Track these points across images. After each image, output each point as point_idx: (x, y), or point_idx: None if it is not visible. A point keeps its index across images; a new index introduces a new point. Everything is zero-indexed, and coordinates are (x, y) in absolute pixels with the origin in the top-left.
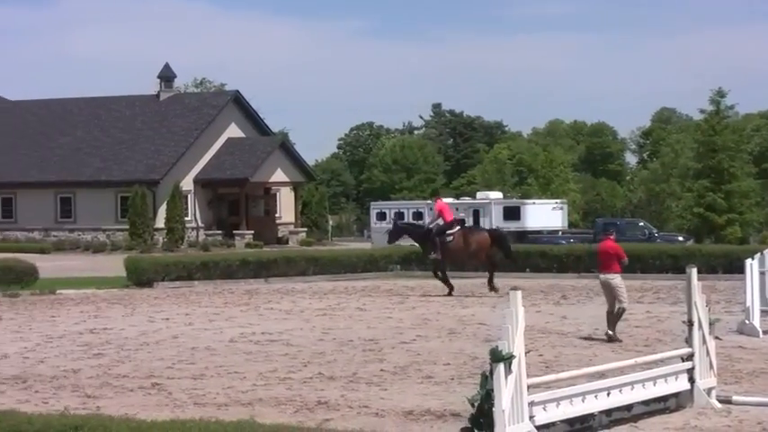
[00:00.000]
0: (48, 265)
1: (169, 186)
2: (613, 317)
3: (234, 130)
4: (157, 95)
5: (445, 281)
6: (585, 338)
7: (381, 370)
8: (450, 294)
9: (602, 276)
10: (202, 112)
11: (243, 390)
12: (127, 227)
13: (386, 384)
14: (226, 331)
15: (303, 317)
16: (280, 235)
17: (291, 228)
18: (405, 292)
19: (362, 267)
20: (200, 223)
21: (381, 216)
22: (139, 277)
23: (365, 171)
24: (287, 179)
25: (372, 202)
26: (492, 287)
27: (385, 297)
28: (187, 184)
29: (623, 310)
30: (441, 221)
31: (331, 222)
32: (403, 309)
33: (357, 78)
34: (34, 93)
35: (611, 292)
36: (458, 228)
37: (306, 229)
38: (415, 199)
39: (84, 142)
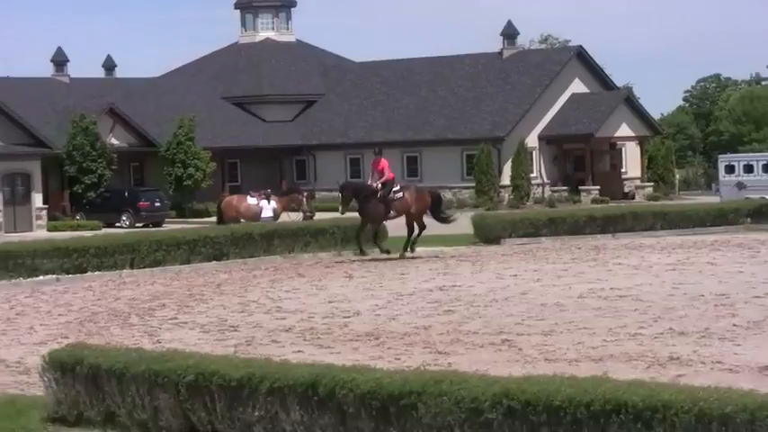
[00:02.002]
0: (396, 223)
1: (514, 143)
2: None
3: (578, 86)
4: (500, 53)
5: (361, 242)
6: None
7: (734, 325)
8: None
9: None
10: (546, 69)
11: (593, 345)
12: (472, 184)
13: (739, 340)
14: (574, 287)
15: (652, 272)
16: (626, 190)
17: (637, 182)
18: (756, 246)
19: (711, 221)
20: (545, 179)
21: (730, 169)
22: (487, 234)
23: (712, 124)
24: (632, 134)
25: (720, 155)
26: (406, 249)
27: (735, 251)
28: (532, 140)
29: None
30: (377, 180)
31: (678, 176)
32: (755, 263)
33: (702, 29)
34: (378, 54)
35: None
36: (402, 186)
37: (652, 184)
38: (765, 151)
39: (428, 101)
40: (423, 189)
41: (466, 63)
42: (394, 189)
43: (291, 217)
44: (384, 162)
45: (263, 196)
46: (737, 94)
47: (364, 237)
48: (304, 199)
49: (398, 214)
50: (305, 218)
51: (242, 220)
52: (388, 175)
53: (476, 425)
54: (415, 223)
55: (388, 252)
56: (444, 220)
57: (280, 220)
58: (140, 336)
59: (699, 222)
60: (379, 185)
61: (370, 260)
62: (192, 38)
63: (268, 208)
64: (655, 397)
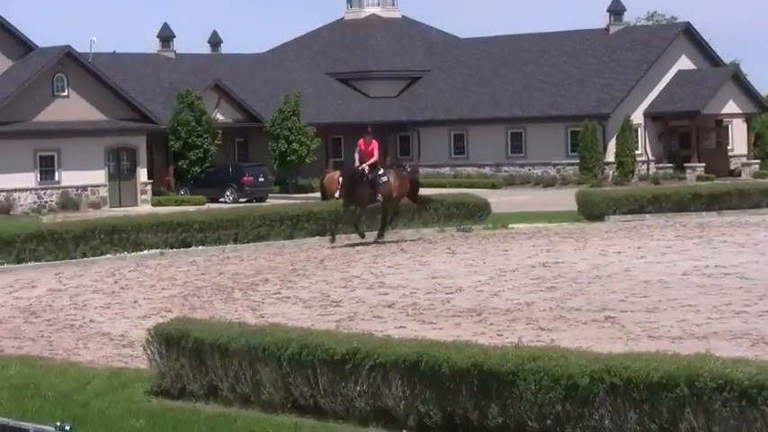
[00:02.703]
0: (499, 200)
1: (619, 120)
2: None
3: (684, 62)
4: (607, 29)
5: (357, 227)
6: None
7: None
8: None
9: None
10: (652, 45)
11: (697, 323)
12: (577, 161)
13: None
14: (678, 264)
15: (758, 249)
16: (732, 167)
17: (744, 160)
18: None
19: None
20: (650, 156)
21: None
22: (591, 211)
23: None
24: (739, 110)
25: None
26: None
27: None
28: (637, 117)
29: None
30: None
31: None
32: None
33: None
34: (485, 30)
35: None
36: (385, 170)
37: (759, 161)
38: None
39: (533, 78)
40: (402, 173)
41: (572, 39)
42: (379, 172)
43: None
44: (375, 143)
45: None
46: None
47: (350, 219)
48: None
49: (383, 198)
50: None
51: None
52: (375, 157)
53: (576, 401)
54: (389, 208)
55: (362, 236)
56: (423, 203)
57: None
58: (243, 310)
59: None
60: (367, 168)
61: (357, 244)
62: (298, 14)
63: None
64: (760, 375)
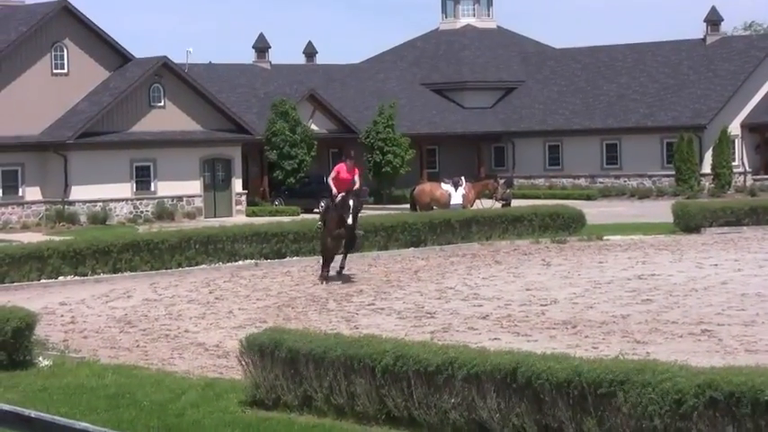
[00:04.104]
0: (594, 212)
1: (716, 131)
2: None
3: None
4: (704, 39)
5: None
6: None
7: None
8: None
9: None
10: (750, 55)
11: None
12: (672, 172)
13: None
14: None
15: None
16: None
17: None
18: None
19: None
20: (747, 168)
21: None
22: (687, 223)
23: None
24: None
25: None
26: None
27: None
28: (734, 128)
29: None
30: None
31: None
32: None
33: None
34: (580, 40)
35: None
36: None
37: None
38: None
39: (629, 88)
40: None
41: (667, 49)
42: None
43: (484, 204)
44: (357, 170)
45: (453, 183)
46: None
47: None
48: (499, 186)
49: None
50: (503, 205)
51: (434, 207)
52: (357, 184)
53: (677, 416)
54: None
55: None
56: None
57: (474, 206)
58: (338, 321)
59: None
60: (348, 196)
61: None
62: (393, 24)
63: (456, 195)
64: None
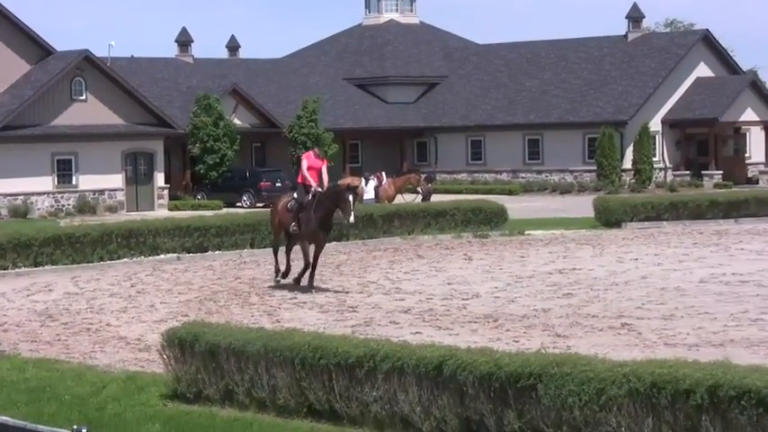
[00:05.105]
0: (516, 207)
1: (637, 127)
2: None
3: (702, 70)
4: (625, 36)
5: (286, 259)
6: None
7: None
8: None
9: None
10: (671, 52)
11: (714, 330)
12: (594, 168)
13: None
14: (695, 272)
15: None
16: (749, 175)
17: (762, 167)
18: None
19: None
20: (667, 164)
21: None
22: (608, 218)
23: None
24: (757, 118)
25: None
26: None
27: None
28: (655, 124)
29: None
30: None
31: None
32: None
33: None
34: (503, 36)
35: None
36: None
37: None
38: None
39: (551, 84)
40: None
41: (589, 46)
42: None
43: (406, 199)
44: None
45: (365, 178)
46: None
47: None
48: (422, 180)
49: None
50: (422, 200)
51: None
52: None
53: (596, 407)
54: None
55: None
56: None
57: (396, 201)
58: (260, 315)
59: None
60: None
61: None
62: (317, 19)
63: (369, 190)
64: None
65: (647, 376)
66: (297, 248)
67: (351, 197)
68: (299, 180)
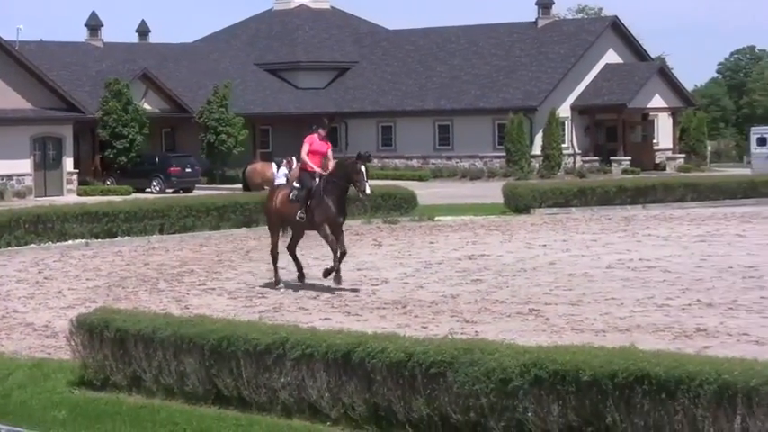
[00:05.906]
0: (426, 192)
1: (546, 113)
2: None
3: (611, 56)
4: (535, 22)
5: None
6: None
7: (761, 297)
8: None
9: None
10: (580, 39)
11: (620, 316)
12: (503, 154)
13: (766, 312)
14: (603, 257)
15: (681, 243)
16: (657, 161)
17: (669, 154)
18: None
19: (742, 193)
20: (576, 150)
21: (762, 141)
22: (517, 204)
23: (745, 96)
24: (665, 105)
25: (752, 128)
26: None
27: (765, 224)
28: (564, 110)
29: None
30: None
31: (710, 148)
32: None
33: (736, 0)
34: (413, 22)
35: None
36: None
37: (684, 156)
38: None
39: (461, 70)
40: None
41: (500, 32)
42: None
43: None
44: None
45: (276, 164)
46: None
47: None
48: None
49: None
50: None
51: (265, 187)
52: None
53: (503, 394)
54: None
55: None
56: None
57: None
58: (168, 301)
59: (729, 194)
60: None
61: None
62: (227, 4)
63: (280, 175)
64: (679, 368)
65: (549, 364)
66: (295, 249)
67: (363, 168)
68: (302, 167)
